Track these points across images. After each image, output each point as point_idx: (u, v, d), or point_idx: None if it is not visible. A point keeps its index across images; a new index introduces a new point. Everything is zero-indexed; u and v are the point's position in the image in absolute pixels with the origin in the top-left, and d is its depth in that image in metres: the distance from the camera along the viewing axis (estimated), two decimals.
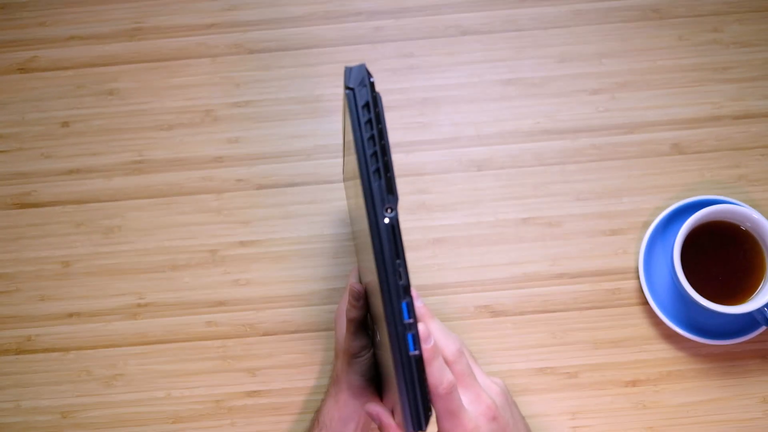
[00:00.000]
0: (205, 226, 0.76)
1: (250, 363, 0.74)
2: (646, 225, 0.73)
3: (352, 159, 0.48)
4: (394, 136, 0.76)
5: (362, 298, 0.62)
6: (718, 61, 0.76)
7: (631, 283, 0.74)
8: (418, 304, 0.52)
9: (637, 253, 0.73)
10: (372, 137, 0.46)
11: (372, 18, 0.78)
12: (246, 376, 0.74)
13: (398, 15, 0.78)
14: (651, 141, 0.75)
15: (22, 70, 0.79)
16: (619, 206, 0.75)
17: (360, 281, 0.63)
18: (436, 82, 0.77)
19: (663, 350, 0.72)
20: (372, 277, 0.49)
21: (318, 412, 0.65)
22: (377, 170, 0.46)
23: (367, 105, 0.46)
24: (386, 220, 0.46)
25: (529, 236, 0.75)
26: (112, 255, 0.76)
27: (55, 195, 0.77)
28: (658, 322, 0.72)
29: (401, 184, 0.75)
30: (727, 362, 0.72)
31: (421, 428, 0.47)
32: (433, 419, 0.49)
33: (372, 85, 0.46)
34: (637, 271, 0.73)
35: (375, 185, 0.46)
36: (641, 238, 0.73)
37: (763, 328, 0.70)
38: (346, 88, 0.46)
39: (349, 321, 0.62)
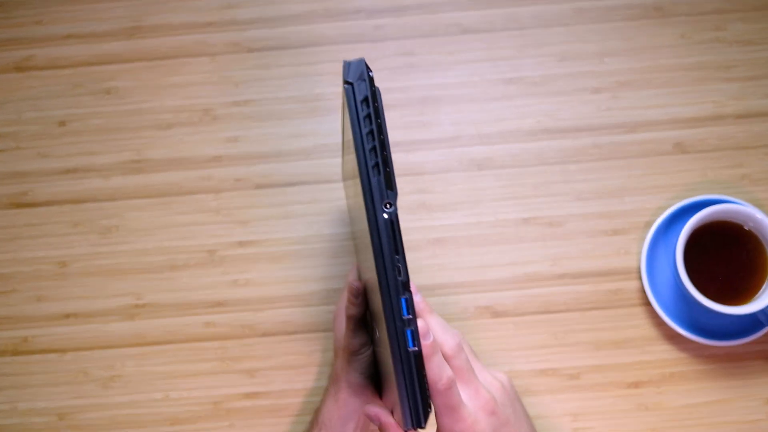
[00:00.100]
0: (203, 226, 0.75)
1: (249, 364, 0.73)
2: (648, 225, 0.73)
3: (352, 158, 0.48)
4: (394, 136, 0.76)
5: (361, 295, 0.61)
6: (720, 60, 0.76)
7: (633, 284, 0.73)
8: (417, 300, 0.52)
9: (639, 253, 0.73)
10: (371, 132, 0.46)
11: (372, 16, 0.78)
12: (245, 378, 0.73)
13: (398, 13, 0.78)
14: (653, 140, 0.75)
15: (18, 68, 0.78)
16: (621, 206, 0.74)
17: (359, 279, 0.63)
18: (436, 80, 0.77)
19: (665, 351, 0.72)
20: (371, 275, 0.48)
21: (317, 411, 0.65)
22: (376, 165, 0.46)
23: (366, 100, 0.46)
24: (385, 216, 0.45)
25: (529, 236, 0.74)
26: (109, 255, 0.75)
27: (52, 195, 0.76)
28: (661, 323, 0.72)
29: (401, 184, 0.75)
30: (731, 363, 0.72)
31: (420, 425, 0.47)
32: (432, 415, 0.49)
33: (371, 79, 0.46)
34: (639, 272, 0.73)
35: (374, 180, 0.46)
36: (643, 238, 0.72)
37: (767, 328, 0.69)
38: (345, 82, 0.46)
39: (348, 318, 0.62)
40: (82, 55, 0.78)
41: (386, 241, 0.46)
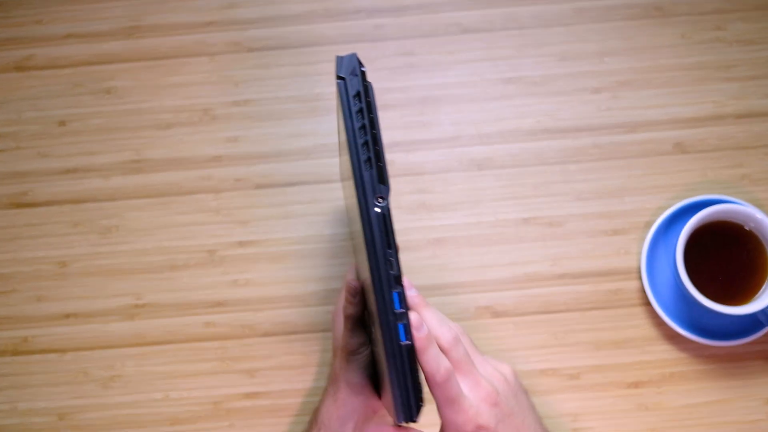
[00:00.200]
0: (203, 226, 0.75)
1: (249, 364, 0.73)
2: (648, 225, 0.73)
3: (348, 157, 0.48)
4: (394, 135, 0.76)
5: (359, 295, 0.61)
6: (720, 60, 0.76)
7: (633, 284, 0.73)
8: (412, 293, 0.52)
9: (639, 253, 0.73)
10: (363, 126, 0.46)
11: (372, 16, 0.78)
12: (245, 378, 0.73)
13: (398, 13, 0.78)
14: (653, 140, 0.75)
15: (18, 68, 0.78)
16: (621, 206, 0.74)
17: (357, 279, 0.63)
18: (436, 80, 0.77)
19: (665, 351, 0.72)
20: (368, 274, 0.48)
21: (316, 411, 0.65)
22: (368, 159, 0.46)
23: (358, 94, 0.46)
24: (377, 210, 0.46)
25: (529, 236, 0.74)
26: (109, 255, 0.75)
27: (52, 195, 0.76)
28: (661, 323, 0.71)
29: (401, 184, 0.75)
30: (731, 363, 0.72)
31: (412, 419, 0.47)
32: (428, 409, 0.49)
33: (363, 74, 0.46)
34: (639, 272, 0.73)
35: (366, 175, 0.46)
36: (643, 239, 0.72)
37: (767, 329, 0.69)
38: (338, 77, 0.46)
39: (346, 318, 0.62)
40: (82, 55, 0.78)
41: (378, 235, 0.46)
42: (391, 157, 0.75)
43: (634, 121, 0.75)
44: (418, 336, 0.49)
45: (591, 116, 0.76)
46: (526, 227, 0.74)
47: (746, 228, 0.69)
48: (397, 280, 0.46)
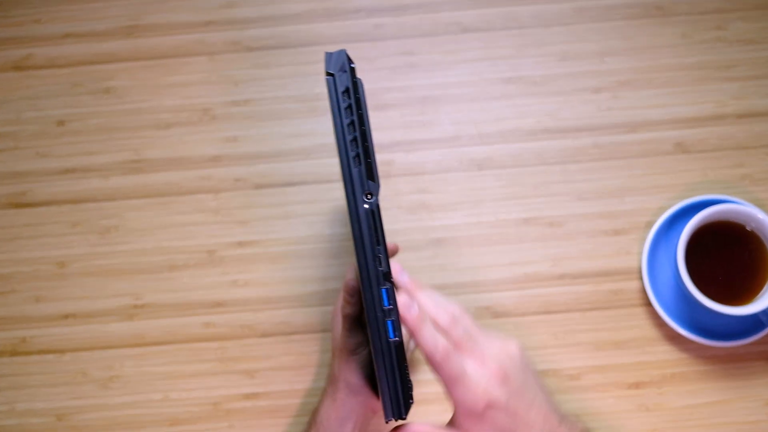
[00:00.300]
0: (203, 226, 0.75)
1: (249, 365, 0.73)
2: (649, 225, 0.73)
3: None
4: (393, 135, 0.76)
5: (357, 294, 0.61)
6: (721, 59, 0.76)
7: (633, 284, 0.73)
8: (405, 279, 0.51)
9: (640, 253, 0.72)
10: (352, 123, 0.46)
11: (371, 15, 0.78)
12: (244, 378, 0.73)
13: (398, 12, 0.78)
14: (653, 140, 0.75)
15: (17, 68, 0.78)
16: (622, 206, 0.74)
17: (356, 279, 0.63)
18: (436, 80, 0.77)
19: (666, 352, 0.72)
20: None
21: (315, 411, 0.65)
22: (357, 156, 0.46)
23: (347, 91, 0.46)
24: (365, 206, 0.46)
25: (530, 236, 0.74)
26: (108, 255, 0.75)
27: (51, 195, 0.76)
28: (662, 324, 0.71)
29: (401, 184, 0.75)
30: (732, 364, 0.71)
31: (401, 416, 0.47)
32: (421, 410, 0.49)
33: (352, 70, 0.46)
34: (639, 272, 0.72)
35: (354, 171, 0.46)
36: (644, 239, 0.72)
37: None
38: (327, 73, 0.46)
39: (344, 317, 0.62)
40: (80, 55, 0.78)
41: (367, 232, 0.46)
42: (391, 157, 0.75)
43: (635, 121, 0.75)
44: (410, 316, 0.48)
45: (591, 116, 0.76)
46: (526, 227, 0.74)
47: (747, 228, 0.69)
48: (386, 276, 0.47)
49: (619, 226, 0.74)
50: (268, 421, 0.72)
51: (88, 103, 0.77)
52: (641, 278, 0.72)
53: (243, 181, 0.76)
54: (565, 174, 0.75)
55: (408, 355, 0.68)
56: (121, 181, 0.76)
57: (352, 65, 0.47)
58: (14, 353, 0.74)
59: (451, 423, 0.51)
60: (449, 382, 0.49)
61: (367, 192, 0.47)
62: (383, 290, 0.47)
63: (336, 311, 0.67)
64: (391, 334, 0.47)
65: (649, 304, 0.71)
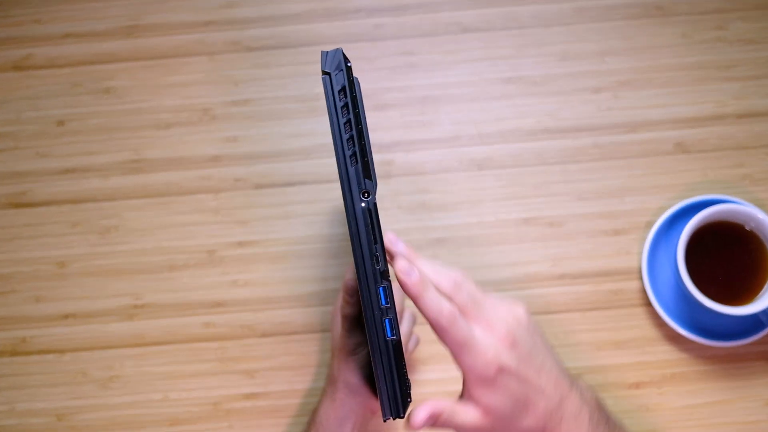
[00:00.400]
0: (203, 226, 0.75)
1: (249, 365, 0.73)
2: (649, 225, 0.73)
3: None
4: (393, 135, 0.76)
5: (356, 294, 0.61)
6: (721, 59, 0.76)
7: (633, 284, 0.73)
8: (401, 247, 0.50)
9: (640, 253, 0.72)
10: (348, 122, 0.46)
11: (372, 15, 0.78)
12: (244, 378, 0.73)
13: (398, 12, 0.78)
14: (654, 140, 0.75)
15: (17, 68, 0.78)
16: (622, 206, 0.74)
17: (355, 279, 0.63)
18: (436, 80, 0.76)
19: (666, 352, 0.72)
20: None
21: (314, 412, 0.65)
22: (353, 154, 0.46)
23: (343, 90, 0.46)
24: (363, 205, 0.46)
25: (530, 236, 0.74)
26: (108, 255, 0.75)
27: (51, 195, 0.76)
28: (662, 324, 0.71)
29: (401, 184, 0.75)
30: (732, 364, 0.71)
31: (399, 415, 0.47)
32: (412, 406, 0.48)
33: (349, 69, 0.47)
34: (640, 272, 0.72)
35: (351, 170, 0.46)
36: (644, 239, 0.72)
37: None
38: (323, 72, 0.46)
39: (344, 318, 0.62)
40: (80, 54, 0.78)
41: (364, 230, 0.46)
42: (391, 156, 0.75)
43: (635, 121, 0.75)
44: (410, 282, 0.47)
45: (591, 116, 0.75)
46: (526, 227, 0.74)
47: (747, 228, 0.69)
48: (383, 275, 0.47)
49: (619, 226, 0.74)
50: (267, 421, 0.72)
51: (88, 103, 0.77)
52: (641, 278, 0.72)
53: (243, 181, 0.76)
54: (565, 174, 0.75)
55: (406, 355, 0.68)
56: (121, 181, 0.76)
57: (349, 64, 0.47)
58: (14, 353, 0.74)
59: (462, 393, 0.50)
60: (457, 349, 0.48)
61: (363, 191, 0.47)
62: (380, 289, 0.47)
63: (335, 311, 0.67)
64: (388, 333, 0.47)
65: (649, 304, 0.71)
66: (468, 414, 0.48)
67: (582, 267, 0.73)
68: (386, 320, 0.47)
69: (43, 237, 0.75)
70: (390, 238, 0.49)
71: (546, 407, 0.49)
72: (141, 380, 0.73)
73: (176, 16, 0.78)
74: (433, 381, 0.72)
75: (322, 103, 0.76)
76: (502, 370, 0.48)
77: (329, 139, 0.75)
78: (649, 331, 0.72)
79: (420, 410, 0.48)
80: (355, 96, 0.47)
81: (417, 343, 0.70)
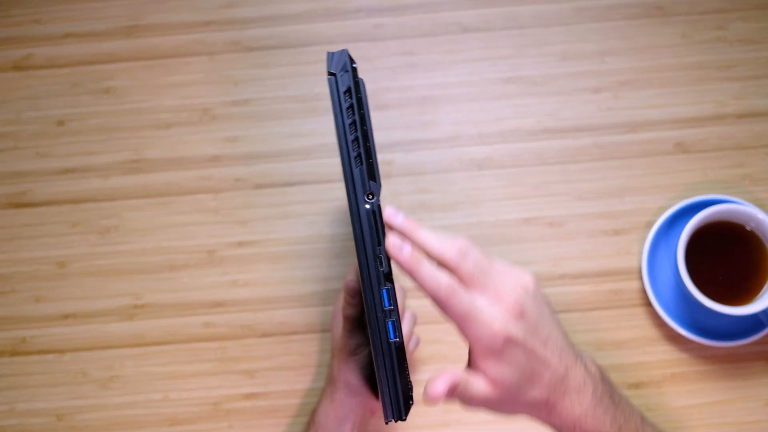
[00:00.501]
0: (202, 226, 0.75)
1: (249, 365, 0.73)
2: (649, 225, 0.73)
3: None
4: (393, 135, 0.76)
5: (358, 295, 0.61)
6: (721, 59, 0.76)
7: (634, 284, 0.73)
8: (399, 220, 0.48)
9: (640, 253, 0.72)
10: (353, 123, 0.46)
11: (371, 15, 0.78)
12: (244, 378, 0.73)
13: (398, 12, 0.78)
14: (654, 140, 0.75)
15: (17, 68, 0.78)
16: (622, 206, 0.74)
17: (357, 280, 0.63)
18: (436, 80, 0.76)
19: (667, 352, 0.72)
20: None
21: (314, 412, 0.65)
22: (358, 156, 0.46)
23: (348, 91, 0.46)
24: (367, 206, 0.46)
25: (530, 236, 0.74)
26: (108, 255, 0.75)
27: (51, 195, 0.76)
28: (662, 324, 0.71)
29: (401, 184, 0.75)
30: (732, 364, 0.71)
31: (401, 417, 0.47)
32: (420, 411, 0.48)
33: (354, 70, 0.47)
34: (640, 272, 0.72)
35: (356, 171, 0.46)
36: (644, 239, 0.72)
37: None
38: (328, 73, 0.46)
39: (345, 318, 0.62)
40: (80, 54, 0.78)
41: (368, 232, 0.46)
42: (391, 156, 0.75)
43: (635, 121, 0.75)
44: (402, 257, 0.46)
45: (591, 116, 0.75)
46: (526, 227, 0.74)
47: (747, 228, 0.69)
48: (387, 277, 0.46)
49: (619, 226, 0.74)
50: (267, 421, 0.72)
51: (88, 103, 0.77)
52: (641, 278, 0.72)
53: (243, 181, 0.76)
54: (565, 174, 0.75)
55: (408, 357, 0.68)
56: (121, 181, 0.76)
57: (354, 65, 0.47)
58: (14, 353, 0.74)
59: (469, 365, 0.49)
60: (460, 321, 0.46)
61: (368, 192, 0.47)
62: (384, 291, 0.47)
63: (336, 311, 0.67)
64: (391, 335, 0.47)
65: (649, 304, 0.71)
66: (479, 385, 0.47)
67: (582, 267, 0.73)
68: (389, 322, 0.47)
69: (43, 237, 0.75)
70: (389, 212, 0.48)
71: (550, 379, 0.48)
72: (141, 380, 0.73)
73: (176, 16, 0.78)
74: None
75: (322, 104, 0.76)
76: (509, 341, 0.46)
77: (329, 139, 0.76)
78: (650, 331, 0.72)
79: (438, 382, 0.46)
80: (361, 97, 0.47)
81: (417, 343, 0.70)
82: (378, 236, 0.46)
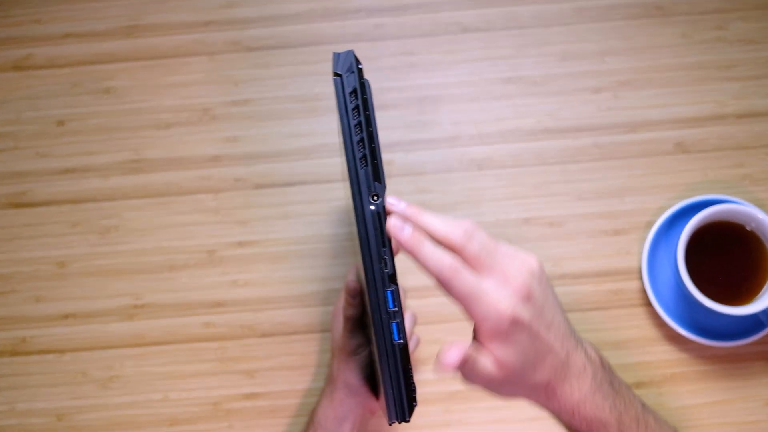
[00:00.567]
0: (202, 226, 0.75)
1: (248, 365, 0.73)
2: (649, 225, 0.73)
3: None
4: (393, 135, 0.76)
5: (359, 296, 0.61)
6: (721, 59, 0.76)
7: (634, 284, 0.73)
8: (402, 206, 0.47)
9: (640, 253, 0.72)
10: (359, 124, 0.46)
11: (371, 15, 0.78)
12: (244, 378, 0.73)
13: (398, 12, 0.78)
14: (654, 140, 0.75)
15: (16, 68, 0.78)
16: (622, 206, 0.74)
17: (358, 281, 0.63)
18: (436, 80, 0.77)
19: (666, 352, 0.72)
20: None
21: (313, 411, 0.65)
22: (364, 157, 0.46)
23: (354, 91, 0.46)
24: (372, 208, 0.46)
25: (530, 236, 0.74)
26: (108, 255, 0.75)
27: (51, 195, 0.76)
28: (662, 324, 0.71)
29: (401, 184, 0.75)
30: (732, 364, 0.71)
31: (404, 419, 0.47)
32: (421, 411, 0.48)
33: (360, 71, 0.47)
34: (640, 272, 0.73)
35: (361, 172, 0.46)
36: (644, 239, 0.72)
37: None
38: (334, 74, 0.46)
39: (346, 319, 0.62)
40: (80, 54, 0.78)
41: (373, 233, 0.46)
42: (391, 156, 0.75)
43: (635, 121, 0.75)
44: (403, 237, 0.46)
45: (591, 116, 0.76)
46: (526, 227, 0.74)
47: (747, 228, 0.69)
48: (392, 278, 0.46)
49: (620, 226, 0.74)
50: (267, 421, 0.72)
51: (88, 103, 0.77)
52: (641, 278, 0.72)
53: (243, 181, 0.76)
54: (565, 174, 0.75)
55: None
56: (121, 181, 0.76)
57: (360, 66, 0.47)
58: (14, 353, 0.74)
59: (475, 340, 0.48)
60: (466, 301, 0.45)
61: (373, 193, 0.46)
62: (388, 292, 0.46)
63: (336, 312, 0.67)
64: (395, 337, 0.47)
65: (649, 304, 0.71)
66: (487, 363, 0.47)
67: (582, 267, 0.73)
68: (393, 324, 0.46)
69: (43, 237, 0.76)
70: (391, 201, 0.47)
71: (552, 363, 0.48)
72: (141, 380, 0.73)
73: (176, 16, 0.78)
74: (434, 381, 0.72)
75: (322, 103, 0.76)
76: (516, 323, 0.45)
77: (329, 140, 0.76)
78: (649, 331, 0.72)
79: (452, 352, 0.46)
80: (367, 98, 0.47)
81: (417, 343, 0.70)
82: (383, 237, 0.46)
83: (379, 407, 0.64)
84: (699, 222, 0.67)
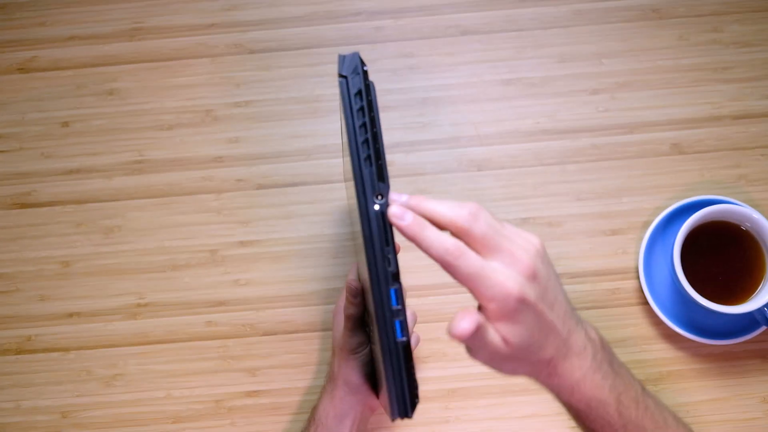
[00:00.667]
0: (205, 226, 0.76)
1: (250, 363, 0.74)
2: (646, 225, 0.73)
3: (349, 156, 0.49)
4: (393, 136, 0.76)
5: (359, 295, 0.61)
6: (718, 61, 0.76)
7: (631, 283, 0.73)
8: (404, 198, 0.47)
9: (637, 253, 0.73)
10: (364, 125, 0.46)
11: (372, 18, 0.78)
12: (246, 376, 0.73)
13: (398, 15, 0.78)
14: (651, 141, 0.75)
15: (21, 70, 0.79)
16: (619, 206, 0.75)
17: (359, 280, 0.63)
18: (435, 82, 0.77)
19: (663, 350, 0.72)
20: (367, 271, 0.49)
21: (314, 409, 0.65)
22: (368, 157, 0.46)
23: (359, 93, 0.47)
24: (376, 207, 0.46)
25: None
26: (112, 255, 0.76)
27: (55, 195, 0.77)
28: (658, 322, 0.72)
29: (401, 184, 0.75)
30: (727, 362, 0.72)
31: (407, 415, 0.47)
32: (420, 408, 0.48)
33: (365, 73, 0.47)
34: (637, 271, 0.73)
35: (366, 172, 0.46)
36: (641, 238, 0.73)
37: (763, 328, 0.70)
38: (340, 75, 0.47)
39: (347, 318, 0.62)
40: (84, 57, 0.78)
41: (377, 232, 0.46)
42: (391, 157, 0.76)
43: (632, 122, 0.76)
44: (404, 224, 0.45)
45: (589, 117, 0.76)
46: (525, 227, 0.75)
47: (743, 228, 0.69)
48: (395, 277, 0.47)
49: (617, 226, 0.74)
50: (269, 419, 0.73)
51: (92, 105, 0.78)
52: (638, 277, 0.72)
53: (245, 182, 0.76)
54: (563, 174, 0.75)
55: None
56: (125, 181, 0.77)
57: (365, 68, 0.47)
58: (19, 351, 0.75)
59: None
60: (472, 282, 0.45)
61: (377, 193, 0.47)
62: (392, 290, 0.47)
63: (337, 310, 0.68)
64: (398, 334, 0.47)
65: (645, 302, 0.72)
66: (495, 337, 0.46)
67: (580, 266, 0.74)
68: (397, 322, 0.47)
69: (48, 237, 0.76)
70: (393, 196, 0.47)
71: (555, 341, 0.48)
72: (144, 378, 0.74)
73: (179, 18, 0.79)
74: (433, 379, 0.73)
75: (323, 105, 0.77)
76: (522, 302, 0.45)
77: (330, 140, 0.77)
78: (646, 329, 0.73)
79: (467, 320, 0.44)
80: (371, 100, 0.47)
81: (418, 341, 0.71)
82: (386, 236, 0.47)
83: (380, 405, 0.64)
84: (695, 222, 0.67)
